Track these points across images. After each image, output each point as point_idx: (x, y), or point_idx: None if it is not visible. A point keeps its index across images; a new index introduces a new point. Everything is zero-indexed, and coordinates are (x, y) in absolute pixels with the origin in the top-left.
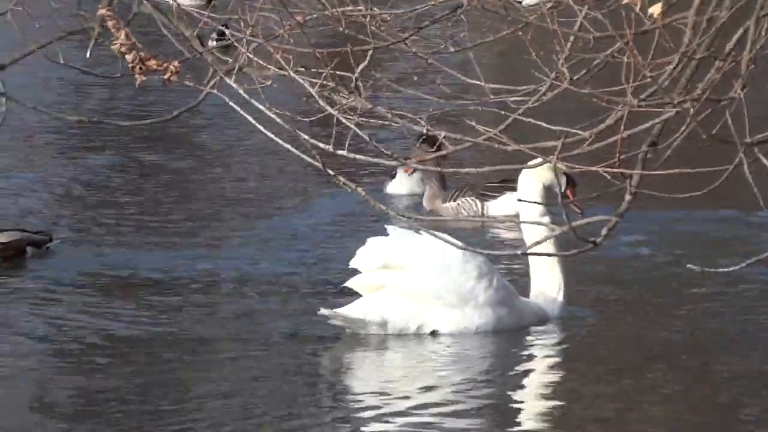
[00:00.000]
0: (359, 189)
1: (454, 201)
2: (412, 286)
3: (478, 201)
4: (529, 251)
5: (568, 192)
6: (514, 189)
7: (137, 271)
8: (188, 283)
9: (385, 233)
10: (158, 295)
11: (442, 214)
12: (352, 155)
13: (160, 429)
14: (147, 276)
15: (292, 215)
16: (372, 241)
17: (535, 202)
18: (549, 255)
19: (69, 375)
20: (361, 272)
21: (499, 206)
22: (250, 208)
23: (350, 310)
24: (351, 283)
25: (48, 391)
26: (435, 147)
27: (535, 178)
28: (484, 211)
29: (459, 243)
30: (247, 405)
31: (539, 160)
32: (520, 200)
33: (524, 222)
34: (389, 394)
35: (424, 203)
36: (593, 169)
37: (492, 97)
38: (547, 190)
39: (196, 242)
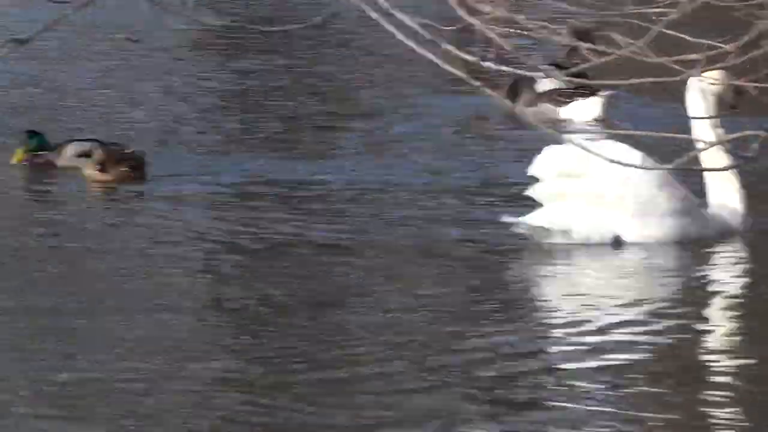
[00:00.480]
0: (506, 100)
1: (535, 106)
2: (594, 195)
3: (552, 106)
4: (679, 166)
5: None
6: (585, 95)
7: (286, 178)
8: (344, 190)
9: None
10: (315, 203)
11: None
12: (495, 66)
13: (330, 337)
14: (299, 184)
15: (428, 122)
16: (550, 149)
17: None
18: (699, 170)
19: (239, 279)
20: (540, 180)
21: (571, 111)
22: (388, 116)
23: (534, 218)
24: (532, 192)
25: (221, 293)
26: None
27: (704, 89)
28: (557, 116)
29: (617, 157)
30: (429, 315)
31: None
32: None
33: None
34: (574, 307)
35: (517, 110)
36: (739, 84)
37: (633, 8)
38: (717, 100)
39: (344, 148)
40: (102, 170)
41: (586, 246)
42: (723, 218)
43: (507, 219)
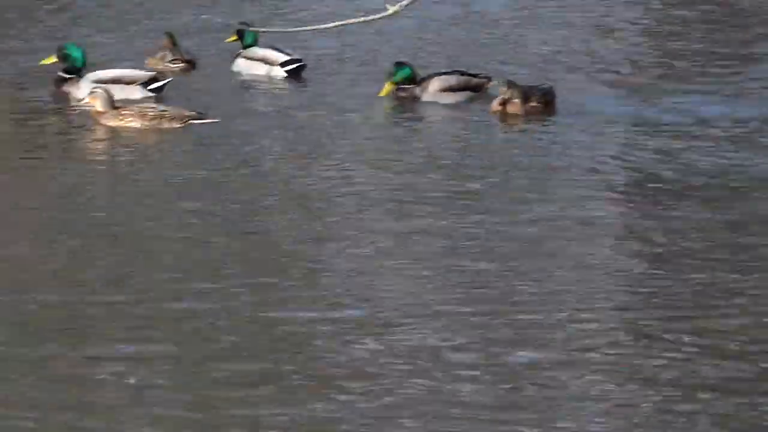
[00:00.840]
0: None
1: None
2: None
3: None
4: None
5: None
6: None
7: (699, 114)
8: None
9: None
10: (730, 139)
11: None
12: None
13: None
14: (712, 119)
15: None
16: None
17: None
18: None
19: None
20: None
21: None
22: None
23: None
24: None
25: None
26: None
27: None
28: None
29: None
30: None
31: None
32: None
33: None
34: None
35: None
36: None
37: None
38: None
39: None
40: (509, 105)
41: None
42: None
43: None
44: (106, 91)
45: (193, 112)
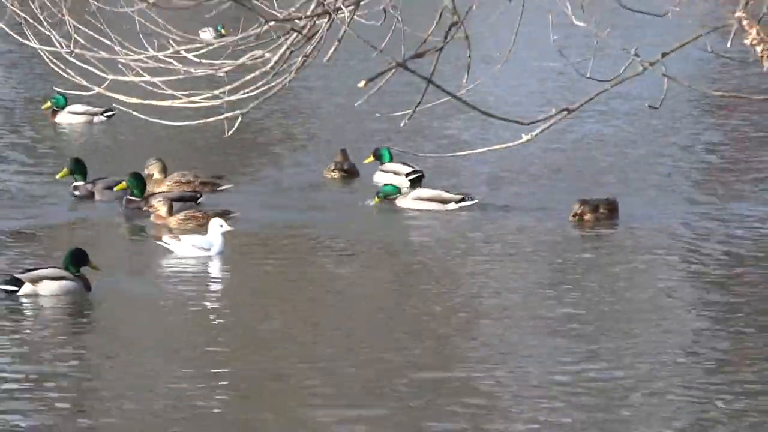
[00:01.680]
0: None
1: None
2: None
3: None
4: None
5: None
6: None
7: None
8: None
9: None
10: None
11: None
12: None
13: None
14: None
15: None
16: None
17: None
18: None
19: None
20: None
21: None
22: None
23: None
24: None
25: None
26: None
27: None
28: None
29: None
30: None
31: None
32: None
33: None
34: None
35: None
36: None
37: None
38: None
39: None
40: (584, 216)
41: None
42: None
43: None
44: (168, 200)
45: (222, 210)
